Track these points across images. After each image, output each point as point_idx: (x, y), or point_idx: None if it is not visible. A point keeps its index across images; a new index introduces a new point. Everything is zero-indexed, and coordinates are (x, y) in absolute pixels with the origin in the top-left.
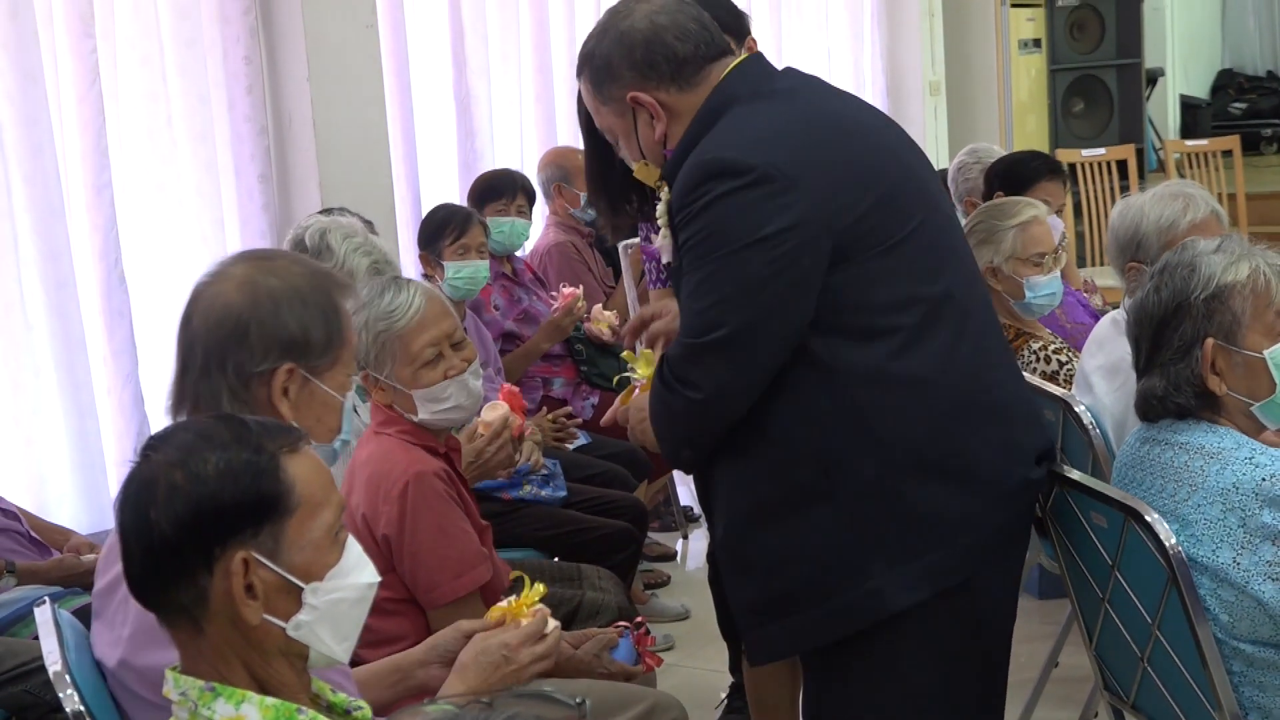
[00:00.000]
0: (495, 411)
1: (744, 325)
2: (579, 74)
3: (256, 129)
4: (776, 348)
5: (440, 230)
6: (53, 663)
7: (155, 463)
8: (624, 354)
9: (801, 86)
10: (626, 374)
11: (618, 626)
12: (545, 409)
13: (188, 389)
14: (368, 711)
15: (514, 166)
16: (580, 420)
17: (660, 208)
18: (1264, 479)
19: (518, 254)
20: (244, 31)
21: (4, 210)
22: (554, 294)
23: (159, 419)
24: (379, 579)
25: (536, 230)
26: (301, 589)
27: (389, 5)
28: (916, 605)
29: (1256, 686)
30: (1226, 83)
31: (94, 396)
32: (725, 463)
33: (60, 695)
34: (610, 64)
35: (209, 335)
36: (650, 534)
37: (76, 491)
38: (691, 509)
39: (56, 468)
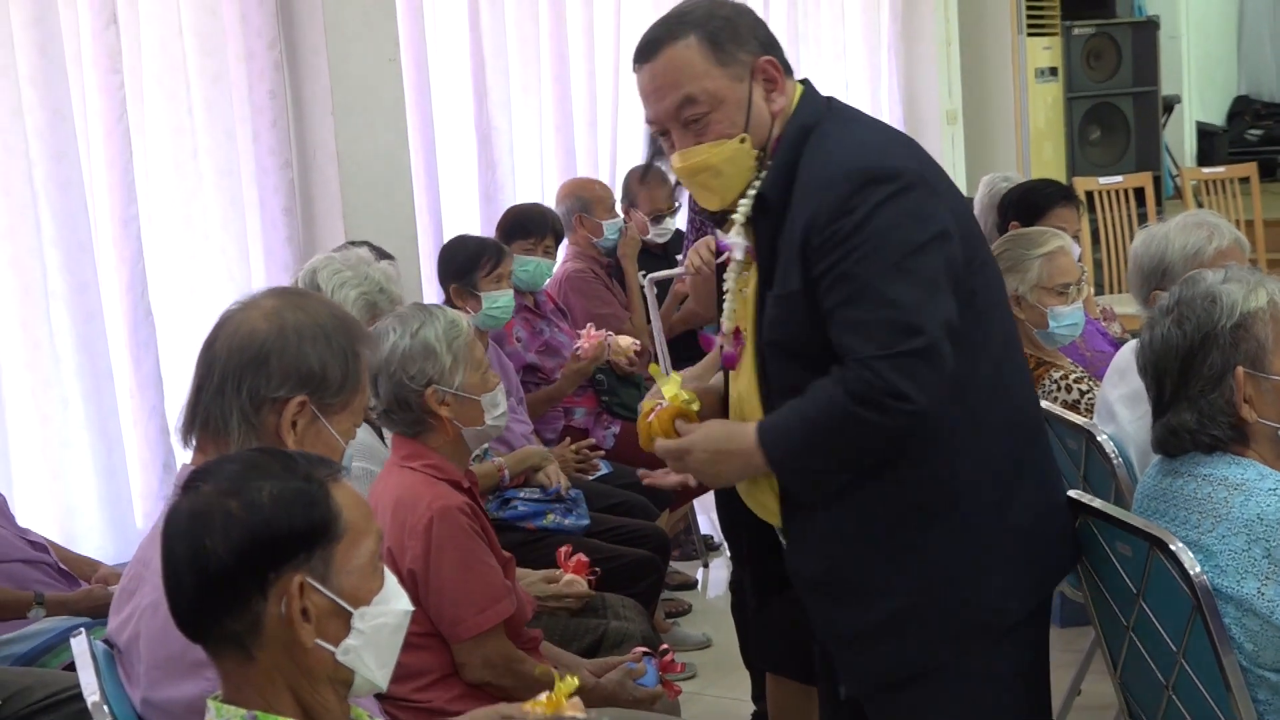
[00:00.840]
0: (574, 588)
1: (939, 326)
2: (673, 38)
3: (281, 162)
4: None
5: (475, 261)
6: (90, 694)
7: (205, 493)
8: (650, 366)
9: (856, 111)
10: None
11: (637, 653)
12: (568, 439)
13: (200, 407)
14: None
15: (534, 197)
16: (602, 450)
17: (744, 207)
18: None
19: None
20: (268, 66)
21: (33, 244)
22: (579, 331)
23: (185, 451)
24: (413, 608)
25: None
26: (351, 613)
27: (411, 39)
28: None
29: None
30: (1243, 109)
31: (121, 429)
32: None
33: None
34: (738, 27)
35: (230, 358)
36: (670, 563)
37: (104, 523)
38: (712, 537)
39: (84, 499)
